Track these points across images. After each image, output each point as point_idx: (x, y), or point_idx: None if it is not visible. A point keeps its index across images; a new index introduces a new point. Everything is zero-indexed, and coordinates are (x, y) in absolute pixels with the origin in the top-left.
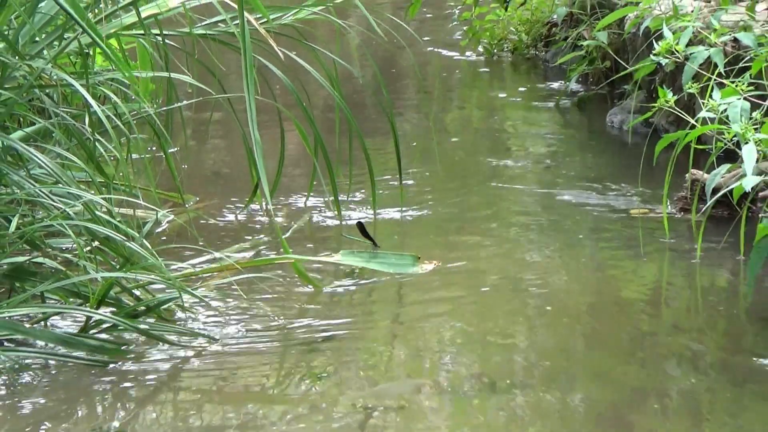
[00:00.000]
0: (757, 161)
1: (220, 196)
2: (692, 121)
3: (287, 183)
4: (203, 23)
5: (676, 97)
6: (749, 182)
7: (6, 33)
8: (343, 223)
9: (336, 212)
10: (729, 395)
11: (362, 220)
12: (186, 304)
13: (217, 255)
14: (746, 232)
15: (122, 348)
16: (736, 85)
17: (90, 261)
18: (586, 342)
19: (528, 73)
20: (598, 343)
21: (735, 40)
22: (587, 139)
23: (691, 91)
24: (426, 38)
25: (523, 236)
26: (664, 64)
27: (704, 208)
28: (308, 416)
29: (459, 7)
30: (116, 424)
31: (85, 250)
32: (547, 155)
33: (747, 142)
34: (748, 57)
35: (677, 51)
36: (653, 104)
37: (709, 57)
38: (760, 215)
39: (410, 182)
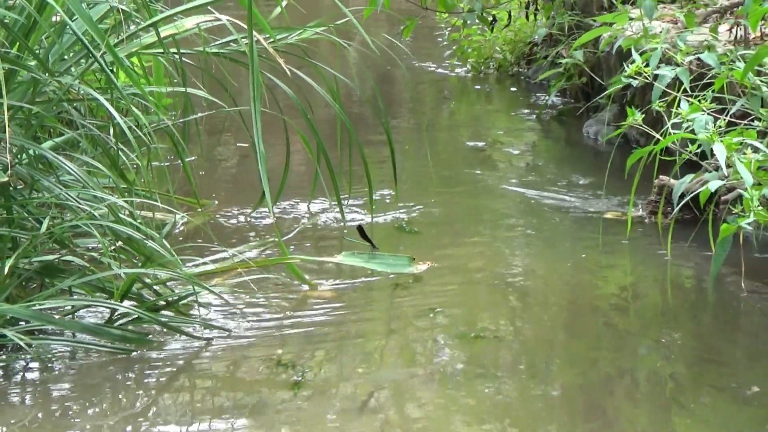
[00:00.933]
0: (718, 169)
1: (232, 200)
2: (657, 136)
3: (293, 188)
4: (216, 42)
5: (643, 115)
6: (714, 184)
7: (37, 52)
8: (344, 224)
9: (341, 215)
10: (692, 382)
11: (362, 224)
12: (201, 299)
13: (230, 254)
14: (709, 233)
15: (144, 338)
16: (700, 101)
17: (114, 259)
18: (565, 333)
19: (512, 88)
20: (576, 334)
21: (699, 59)
22: (565, 148)
23: (659, 108)
24: (419, 56)
25: (508, 238)
26: (634, 85)
27: (672, 213)
28: (312, 399)
29: (449, 29)
30: (138, 407)
31: (109, 249)
32: (529, 162)
33: (714, 143)
34: (711, 74)
35: (645, 72)
36: (626, 116)
37: (676, 75)
38: (723, 215)
39: (405, 187)
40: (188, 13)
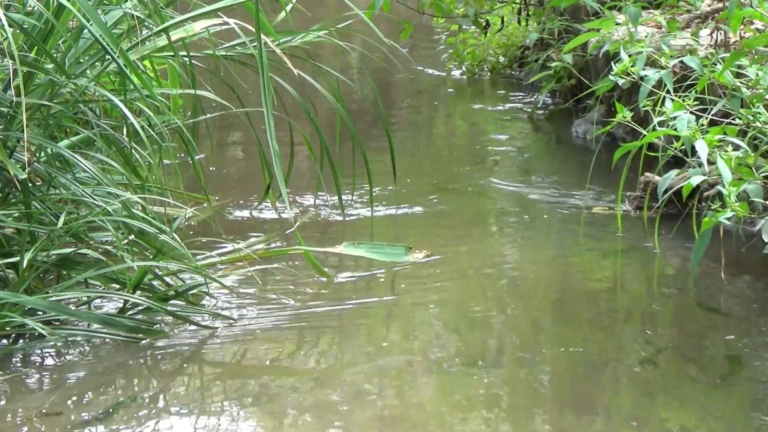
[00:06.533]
0: (701, 165)
1: (239, 196)
2: (644, 132)
3: (296, 183)
4: (224, 45)
5: (632, 113)
6: (696, 179)
7: (55, 55)
8: (346, 219)
9: (340, 209)
10: (674, 371)
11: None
12: (210, 290)
13: (237, 246)
14: (692, 227)
15: (155, 327)
16: (683, 101)
17: (127, 252)
18: (553, 323)
19: (504, 90)
20: (564, 324)
21: (682, 62)
22: (555, 146)
23: (645, 108)
24: (416, 59)
25: (500, 230)
26: (621, 83)
27: (657, 207)
28: (315, 386)
29: (445, 33)
30: (149, 392)
31: (122, 242)
32: (521, 160)
33: (697, 140)
34: (694, 77)
35: (633, 72)
36: (613, 117)
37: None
38: (705, 210)
39: (402, 182)
40: (197, 17)
